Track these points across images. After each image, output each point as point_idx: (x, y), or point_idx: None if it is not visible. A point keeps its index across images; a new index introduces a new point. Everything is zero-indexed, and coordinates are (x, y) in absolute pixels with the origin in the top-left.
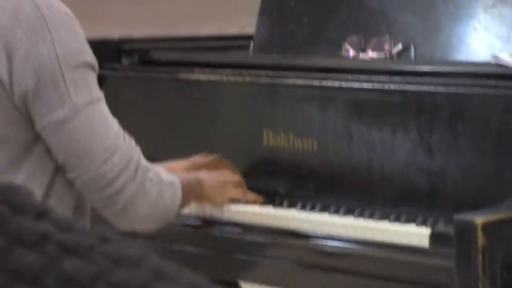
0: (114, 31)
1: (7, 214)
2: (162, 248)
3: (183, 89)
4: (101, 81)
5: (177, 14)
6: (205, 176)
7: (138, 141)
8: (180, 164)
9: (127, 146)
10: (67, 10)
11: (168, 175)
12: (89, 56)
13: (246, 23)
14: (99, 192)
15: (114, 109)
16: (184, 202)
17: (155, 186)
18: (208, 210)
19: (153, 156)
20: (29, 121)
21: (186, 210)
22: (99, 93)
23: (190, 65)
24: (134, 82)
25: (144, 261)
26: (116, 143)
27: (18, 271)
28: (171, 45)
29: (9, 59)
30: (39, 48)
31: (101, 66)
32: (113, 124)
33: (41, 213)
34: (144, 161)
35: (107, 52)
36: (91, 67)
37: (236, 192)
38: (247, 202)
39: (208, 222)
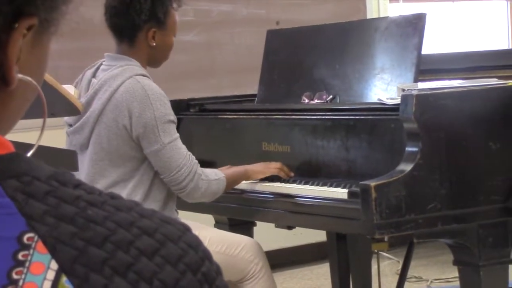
0: (188, 96)
1: (57, 186)
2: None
3: (221, 124)
4: (179, 121)
5: (220, 87)
6: (250, 166)
7: (200, 154)
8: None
9: (190, 163)
10: (160, 90)
11: (215, 174)
12: (172, 116)
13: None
14: (175, 186)
15: (186, 137)
16: (232, 184)
17: (204, 184)
18: None
19: (210, 161)
20: (141, 147)
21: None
22: (176, 135)
23: (224, 110)
24: (196, 122)
25: (134, 208)
26: (183, 162)
27: (63, 216)
28: (216, 101)
29: (130, 117)
30: (146, 112)
31: (179, 113)
32: (183, 151)
33: (77, 185)
34: (199, 170)
35: (182, 106)
36: (173, 121)
37: (275, 169)
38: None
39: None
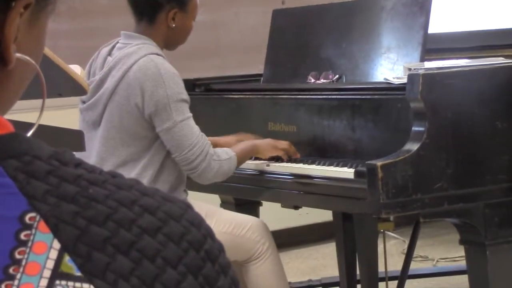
0: (192, 75)
1: (58, 166)
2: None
3: (226, 104)
4: None
5: (225, 66)
6: (259, 141)
7: (205, 131)
8: (231, 137)
9: (202, 142)
10: (174, 69)
11: (226, 153)
12: (185, 95)
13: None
14: (186, 166)
15: (192, 117)
16: (242, 162)
17: (216, 164)
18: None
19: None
20: (152, 126)
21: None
22: (189, 114)
23: (230, 90)
24: (202, 102)
25: (135, 186)
26: (196, 141)
27: (64, 195)
28: (221, 81)
29: (142, 95)
30: (158, 90)
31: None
32: (196, 130)
33: (78, 164)
34: (211, 150)
35: (188, 85)
36: (185, 101)
37: (281, 151)
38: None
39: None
